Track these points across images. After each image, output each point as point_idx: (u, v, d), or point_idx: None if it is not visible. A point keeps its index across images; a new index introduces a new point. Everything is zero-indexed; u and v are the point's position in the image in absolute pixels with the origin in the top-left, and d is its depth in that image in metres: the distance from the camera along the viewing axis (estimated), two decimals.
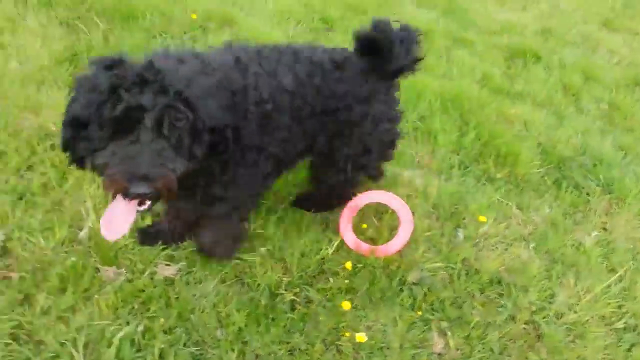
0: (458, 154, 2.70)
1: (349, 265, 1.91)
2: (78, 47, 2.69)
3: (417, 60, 1.80)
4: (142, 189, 1.17)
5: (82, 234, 1.84)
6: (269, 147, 1.57)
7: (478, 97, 3.11)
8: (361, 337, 1.67)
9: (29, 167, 2.04)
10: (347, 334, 1.69)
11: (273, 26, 3.43)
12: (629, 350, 1.96)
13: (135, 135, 1.19)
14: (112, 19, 2.96)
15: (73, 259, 1.71)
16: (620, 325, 2.04)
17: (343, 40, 3.55)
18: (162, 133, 1.20)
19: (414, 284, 1.97)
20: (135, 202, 1.27)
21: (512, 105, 3.22)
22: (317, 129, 1.71)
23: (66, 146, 1.29)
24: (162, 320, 1.61)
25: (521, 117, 3.11)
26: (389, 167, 2.34)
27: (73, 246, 1.80)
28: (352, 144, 1.81)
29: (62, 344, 1.51)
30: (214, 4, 3.40)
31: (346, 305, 1.77)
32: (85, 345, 1.52)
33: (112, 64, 1.23)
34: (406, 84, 3.02)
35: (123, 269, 1.74)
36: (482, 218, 2.26)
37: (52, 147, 2.12)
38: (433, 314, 1.89)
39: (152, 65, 1.22)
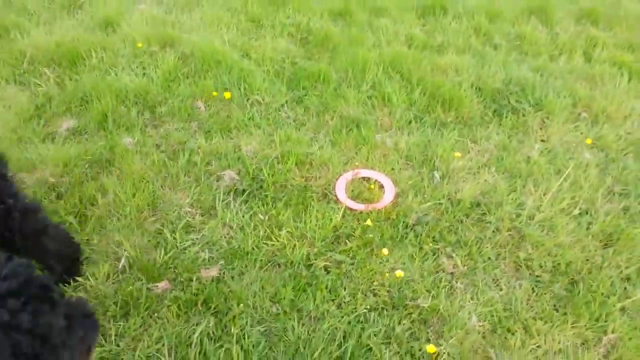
0: (411, 110, 3.06)
1: (369, 222, 2.22)
2: (38, 101, 2.75)
3: None
4: None
5: (122, 264, 2.00)
6: None
7: (412, 57, 3.48)
8: (400, 273, 1.99)
9: None
10: (387, 275, 2.00)
11: (208, 36, 3.59)
12: (587, 228, 2.43)
13: None
14: (59, 65, 3.02)
15: (123, 286, 1.88)
16: (576, 212, 2.49)
17: (273, 35, 3.78)
18: None
19: (414, 225, 2.31)
20: None
21: (440, 57, 3.62)
22: None
23: None
24: (226, 311, 1.84)
25: (451, 65, 3.51)
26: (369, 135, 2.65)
27: (119, 276, 1.97)
28: None
29: (148, 358, 1.70)
30: (148, 28, 3.50)
31: (384, 252, 2.09)
32: (169, 352, 1.73)
33: None
34: (349, 61, 3.35)
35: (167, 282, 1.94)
36: (457, 154, 2.65)
37: (58, 196, 2.23)
38: (437, 244, 2.24)
39: None
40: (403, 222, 2.30)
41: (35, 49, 3.12)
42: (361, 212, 2.33)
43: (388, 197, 2.42)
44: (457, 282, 2.10)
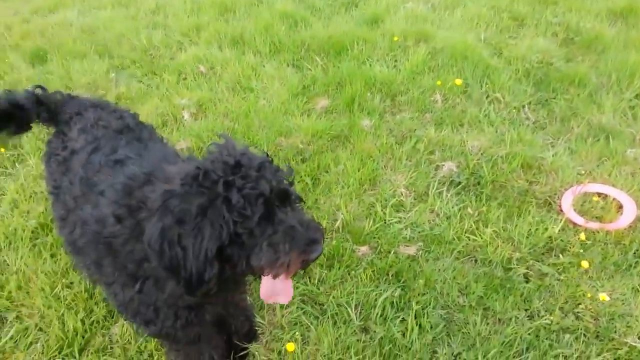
0: None
1: (582, 236, 1.99)
2: (305, 82, 3.30)
3: None
4: (319, 249, 1.14)
5: (337, 224, 2.30)
6: None
7: None
8: (604, 296, 1.75)
9: None
10: (589, 295, 1.78)
11: (464, 33, 3.64)
12: None
13: (284, 212, 1.13)
14: (327, 54, 3.55)
15: (334, 242, 2.17)
16: None
17: (534, 34, 3.57)
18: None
19: None
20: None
21: None
22: None
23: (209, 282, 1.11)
24: (414, 287, 1.94)
25: None
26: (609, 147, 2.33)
27: (332, 234, 2.27)
28: None
29: (338, 305, 1.94)
30: (408, 24, 3.77)
31: (585, 264, 1.87)
32: (356, 307, 1.93)
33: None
34: (617, 65, 2.95)
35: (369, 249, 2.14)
36: None
37: (303, 160, 2.67)
38: None
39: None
40: (636, 251, 1.97)
41: (312, 39, 3.73)
42: (585, 229, 2.08)
43: (626, 219, 2.09)
44: None
